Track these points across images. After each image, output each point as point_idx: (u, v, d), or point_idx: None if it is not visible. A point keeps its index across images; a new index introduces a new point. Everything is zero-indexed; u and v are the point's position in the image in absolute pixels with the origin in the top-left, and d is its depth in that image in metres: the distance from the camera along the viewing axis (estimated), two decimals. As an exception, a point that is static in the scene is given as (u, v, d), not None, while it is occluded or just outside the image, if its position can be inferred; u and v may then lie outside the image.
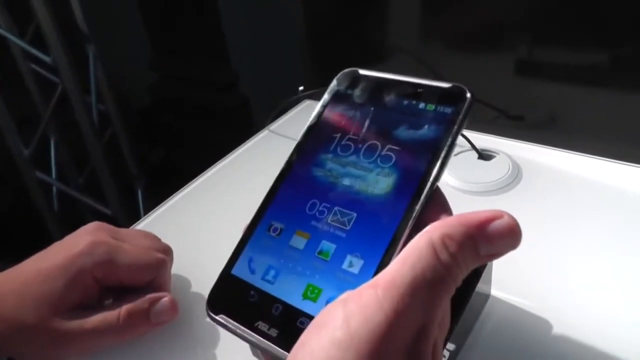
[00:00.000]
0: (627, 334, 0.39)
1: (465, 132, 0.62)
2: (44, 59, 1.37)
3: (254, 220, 0.32)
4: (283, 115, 0.79)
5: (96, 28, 1.50)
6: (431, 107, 0.30)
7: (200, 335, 0.45)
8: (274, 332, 0.27)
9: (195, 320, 0.46)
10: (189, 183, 0.67)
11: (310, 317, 0.27)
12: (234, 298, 0.30)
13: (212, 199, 0.64)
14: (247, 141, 0.74)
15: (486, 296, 0.42)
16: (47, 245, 0.46)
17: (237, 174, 0.68)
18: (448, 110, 0.29)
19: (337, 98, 0.34)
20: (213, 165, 0.70)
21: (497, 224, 0.25)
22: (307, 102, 0.80)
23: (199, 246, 0.55)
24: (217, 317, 0.29)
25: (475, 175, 0.58)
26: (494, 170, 0.58)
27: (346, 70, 0.34)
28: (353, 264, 0.28)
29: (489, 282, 0.42)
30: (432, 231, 0.25)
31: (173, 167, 1.91)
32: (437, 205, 0.29)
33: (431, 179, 0.28)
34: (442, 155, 0.28)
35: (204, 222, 0.60)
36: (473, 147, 0.61)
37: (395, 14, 1.02)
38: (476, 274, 0.38)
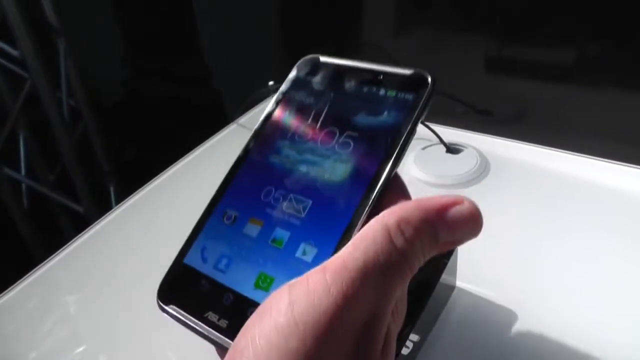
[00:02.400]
0: (588, 323, 0.39)
1: (434, 126, 0.62)
2: (11, 53, 1.34)
3: (208, 208, 0.31)
4: (252, 109, 0.78)
5: (66, 21, 1.47)
6: (392, 93, 0.29)
7: (165, 329, 0.44)
8: (223, 323, 0.26)
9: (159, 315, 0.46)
10: (157, 176, 0.66)
11: None
12: (185, 288, 0.29)
13: (179, 192, 0.64)
14: (215, 134, 0.74)
15: (451, 287, 0.42)
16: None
17: (205, 167, 0.67)
18: (409, 96, 0.28)
19: (297, 85, 0.33)
20: (181, 159, 0.69)
21: (457, 210, 0.24)
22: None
23: (165, 240, 0.55)
24: (167, 308, 0.28)
25: (443, 169, 0.58)
26: (462, 164, 0.58)
27: (307, 56, 0.33)
28: (306, 252, 0.27)
29: (454, 273, 0.42)
30: (388, 215, 0.23)
31: (146, 163, 1.88)
32: (396, 193, 0.27)
33: (389, 165, 0.27)
34: (402, 141, 0.27)
35: (171, 215, 0.60)
36: (441, 140, 0.61)
37: (368, 10, 1.03)
38: (442, 266, 0.38)
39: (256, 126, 0.33)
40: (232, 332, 0.25)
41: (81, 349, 0.45)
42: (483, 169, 0.58)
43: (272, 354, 0.20)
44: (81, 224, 1.64)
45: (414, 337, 0.38)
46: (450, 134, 0.64)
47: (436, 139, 0.61)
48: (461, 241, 0.25)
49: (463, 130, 0.66)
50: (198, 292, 0.28)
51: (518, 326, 0.39)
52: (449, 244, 0.24)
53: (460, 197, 0.24)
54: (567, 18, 0.77)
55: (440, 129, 0.62)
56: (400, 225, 0.23)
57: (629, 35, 0.72)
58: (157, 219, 0.60)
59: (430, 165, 0.58)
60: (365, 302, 0.21)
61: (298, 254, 0.27)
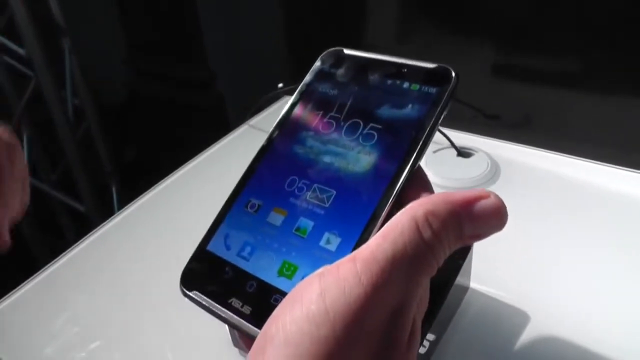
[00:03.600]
0: (598, 323, 0.40)
1: (444, 130, 0.63)
2: (18, 51, 1.34)
3: (231, 196, 0.31)
4: (262, 111, 0.79)
5: (70, 21, 1.47)
6: (415, 87, 0.29)
7: (176, 327, 0.45)
8: (247, 309, 0.26)
9: (171, 317, 0.46)
10: (165, 178, 0.66)
11: (285, 294, 0.25)
12: (208, 274, 0.29)
13: (191, 193, 0.64)
14: (226, 136, 0.74)
15: (465, 288, 0.43)
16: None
17: (215, 170, 0.67)
18: (432, 90, 0.28)
19: (320, 77, 0.33)
20: (190, 160, 0.70)
21: (483, 204, 0.24)
22: (286, 99, 0.81)
23: (172, 243, 0.55)
24: (190, 294, 0.28)
25: (454, 172, 0.59)
26: (473, 168, 0.59)
27: (331, 49, 0.33)
28: (330, 241, 0.27)
29: (468, 275, 0.42)
30: (416, 207, 0.23)
31: (146, 164, 1.88)
32: (418, 185, 0.27)
33: (413, 158, 0.27)
34: (425, 134, 0.27)
35: (178, 218, 0.60)
36: (452, 144, 0.62)
37: (374, 14, 1.03)
38: (457, 267, 0.39)
39: (280, 116, 0.32)
40: (255, 318, 0.26)
41: (83, 354, 0.45)
42: (494, 172, 0.59)
43: (303, 340, 0.20)
44: (83, 223, 1.64)
45: (430, 336, 0.38)
46: (461, 137, 0.65)
47: (447, 143, 0.62)
48: (486, 235, 0.25)
49: (473, 134, 0.67)
50: (221, 278, 0.28)
51: (530, 326, 0.40)
52: (473, 237, 0.24)
53: (486, 192, 0.24)
54: (573, 25, 0.78)
55: (450, 133, 0.63)
56: (428, 218, 0.23)
57: (636, 42, 0.73)
58: (164, 221, 0.60)
59: (442, 168, 0.59)
60: (394, 292, 0.22)
61: (322, 243, 0.27)
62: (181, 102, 1.78)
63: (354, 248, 0.26)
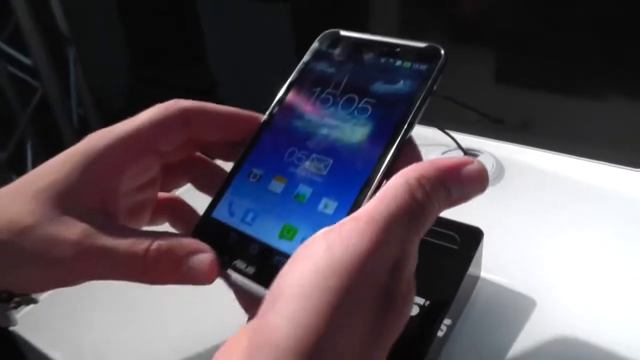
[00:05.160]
0: (604, 311, 0.42)
1: (452, 133, 0.65)
2: (24, 61, 1.35)
3: (235, 168, 0.33)
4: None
5: (74, 30, 1.48)
6: (407, 64, 0.31)
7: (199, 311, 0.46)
8: (250, 270, 0.28)
9: (192, 300, 0.46)
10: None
11: (286, 255, 0.27)
12: (213, 240, 0.30)
13: (193, 199, 0.64)
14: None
15: (476, 278, 0.45)
16: None
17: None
18: (423, 67, 0.30)
19: (318, 56, 0.35)
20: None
21: (468, 169, 0.27)
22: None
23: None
24: None
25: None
26: (478, 168, 0.61)
27: (328, 31, 0.35)
28: (328, 205, 0.28)
29: (479, 265, 0.45)
30: (409, 172, 0.26)
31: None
32: (410, 155, 0.29)
33: (404, 128, 0.29)
34: (416, 106, 0.29)
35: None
36: (459, 146, 0.63)
37: (378, 20, 1.05)
38: (469, 258, 0.42)
39: (280, 92, 0.34)
40: (259, 277, 0.28)
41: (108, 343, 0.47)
42: (499, 172, 0.60)
43: (313, 293, 0.22)
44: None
45: (447, 321, 0.40)
46: (467, 140, 0.66)
47: (454, 145, 0.64)
48: (470, 197, 0.27)
49: (479, 137, 0.68)
50: (226, 243, 0.30)
51: (536, 311, 0.42)
52: (460, 199, 0.27)
53: (470, 159, 0.27)
54: (573, 32, 0.80)
55: (457, 135, 0.65)
56: (421, 180, 0.25)
57: (632, 46, 0.75)
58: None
59: (449, 169, 0.61)
60: (392, 248, 0.24)
61: (320, 207, 0.29)
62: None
63: (350, 211, 0.27)
